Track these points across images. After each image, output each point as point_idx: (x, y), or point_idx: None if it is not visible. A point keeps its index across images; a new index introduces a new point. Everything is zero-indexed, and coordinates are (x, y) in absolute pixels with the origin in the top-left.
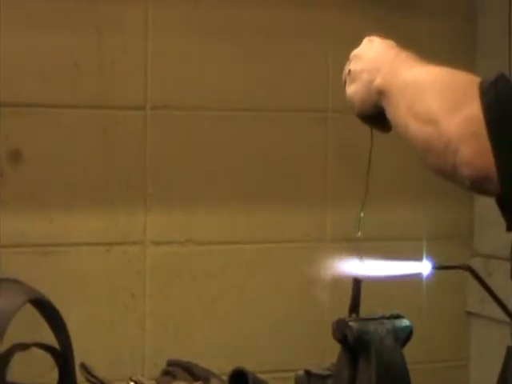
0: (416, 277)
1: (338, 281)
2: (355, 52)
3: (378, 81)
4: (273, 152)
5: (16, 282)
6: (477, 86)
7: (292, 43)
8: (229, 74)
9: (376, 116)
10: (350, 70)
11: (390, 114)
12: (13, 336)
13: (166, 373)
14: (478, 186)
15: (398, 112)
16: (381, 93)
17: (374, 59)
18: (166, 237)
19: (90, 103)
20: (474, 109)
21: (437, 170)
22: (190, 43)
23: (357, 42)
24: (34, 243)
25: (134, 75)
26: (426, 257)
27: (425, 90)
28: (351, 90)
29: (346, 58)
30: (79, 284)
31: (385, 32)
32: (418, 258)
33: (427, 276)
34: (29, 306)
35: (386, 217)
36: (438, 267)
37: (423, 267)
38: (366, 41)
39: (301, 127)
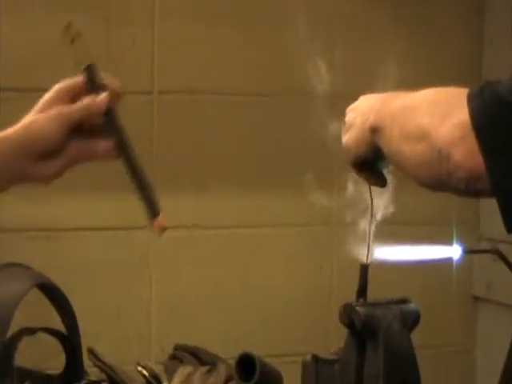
0: (445, 261)
1: (345, 265)
2: (350, 107)
3: (371, 119)
4: (279, 137)
5: (23, 266)
6: (465, 97)
7: (297, 30)
8: (234, 59)
9: (371, 163)
10: (344, 122)
11: (385, 146)
12: (20, 321)
13: (173, 357)
14: (471, 187)
15: (392, 140)
16: (374, 129)
17: (368, 106)
18: (172, 221)
19: None
20: (462, 115)
21: (433, 181)
22: (196, 30)
23: (363, 28)
24: (39, 227)
25: (142, 61)
26: (456, 241)
27: (413, 111)
28: (346, 137)
29: (352, 43)
30: (85, 269)
31: (392, 20)
32: (427, 243)
33: (457, 260)
34: (36, 291)
35: (396, 202)
36: (468, 251)
37: (453, 251)
38: (361, 97)
39: (308, 112)
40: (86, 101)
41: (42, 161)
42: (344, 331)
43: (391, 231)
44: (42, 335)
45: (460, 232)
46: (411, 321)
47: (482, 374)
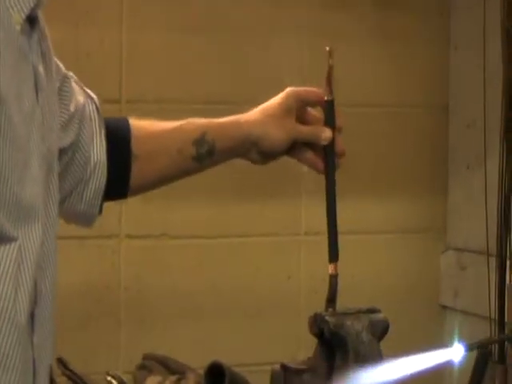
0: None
1: (314, 274)
2: None
3: None
4: None
5: None
6: None
7: (266, 38)
8: (203, 67)
9: None
10: None
11: None
12: None
13: (142, 367)
14: None
15: None
16: None
17: None
18: (141, 230)
19: None
20: None
21: None
22: (165, 37)
23: (332, 37)
24: None
25: (110, 68)
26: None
27: None
28: None
29: (322, 52)
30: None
31: (363, 28)
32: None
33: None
34: None
35: (359, 211)
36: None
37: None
38: None
39: None
40: (318, 130)
41: (261, 156)
42: (313, 340)
43: (357, 240)
44: None
45: (427, 241)
46: (380, 330)
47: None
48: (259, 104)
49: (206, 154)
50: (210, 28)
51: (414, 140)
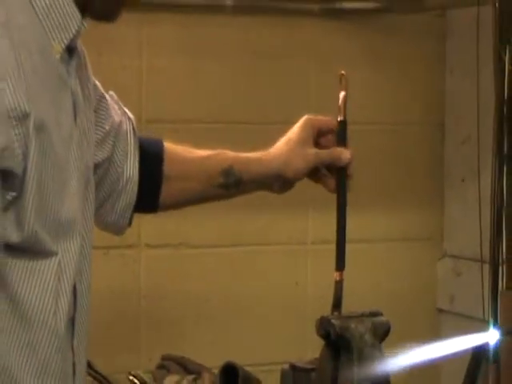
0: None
1: (320, 280)
2: None
3: None
4: None
5: None
6: None
7: (275, 62)
8: (217, 89)
9: None
10: None
11: None
12: None
13: (161, 367)
14: None
15: None
16: None
17: None
18: (159, 240)
19: None
20: None
21: None
22: (181, 61)
23: (336, 61)
24: None
25: (131, 91)
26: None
27: None
28: None
29: (327, 75)
30: None
31: (362, 52)
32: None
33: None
34: None
35: (363, 221)
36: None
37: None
38: None
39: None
40: (337, 153)
41: (283, 184)
42: (319, 342)
43: (360, 249)
44: None
45: (424, 249)
46: (382, 332)
47: (446, 378)
48: (270, 123)
49: (233, 184)
50: (224, 52)
51: (413, 155)
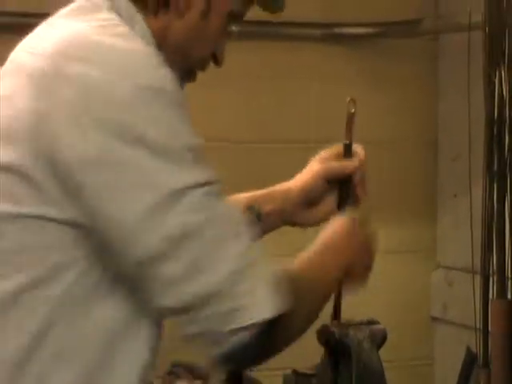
0: None
1: None
2: None
3: None
4: (266, 178)
5: None
6: None
7: (278, 84)
8: (224, 111)
9: None
10: None
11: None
12: None
13: (170, 372)
14: None
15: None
16: None
17: None
18: None
19: None
20: None
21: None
22: (188, 85)
23: (336, 83)
24: None
25: None
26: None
27: None
28: None
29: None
30: None
31: (360, 74)
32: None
33: None
34: None
35: None
36: None
37: None
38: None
39: (290, 156)
40: (344, 162)
41: (308, 208)
42: (320, 349)
43: None
44: None
45: (419, 260)
46: (379, 339)
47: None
48: (275, 142)
49: (256, 219)
50: (229, 75)
51: (408, 171)
